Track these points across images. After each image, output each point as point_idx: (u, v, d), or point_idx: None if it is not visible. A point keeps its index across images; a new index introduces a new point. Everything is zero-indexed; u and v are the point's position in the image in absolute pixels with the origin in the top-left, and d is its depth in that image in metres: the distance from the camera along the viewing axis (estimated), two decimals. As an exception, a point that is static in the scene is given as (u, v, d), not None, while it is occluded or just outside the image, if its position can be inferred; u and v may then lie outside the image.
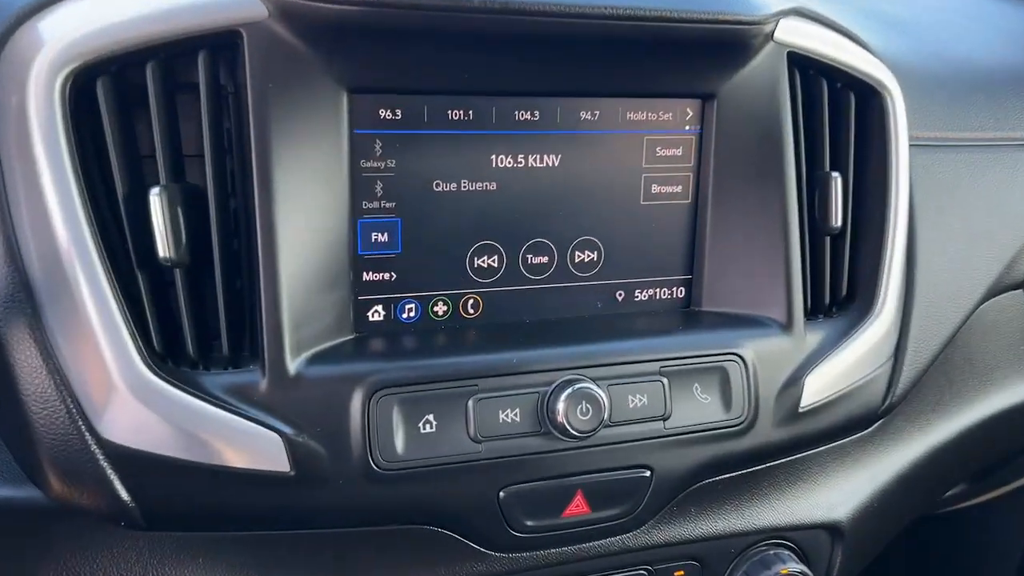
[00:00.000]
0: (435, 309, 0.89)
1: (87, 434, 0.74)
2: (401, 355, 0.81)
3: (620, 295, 0.95)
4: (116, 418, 0.73)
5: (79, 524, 0.78)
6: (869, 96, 0.99)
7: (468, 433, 0.81)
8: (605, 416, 0.82)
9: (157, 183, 0.75)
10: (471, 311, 0.90)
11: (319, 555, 0.81)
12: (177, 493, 0.75)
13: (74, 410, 0.74)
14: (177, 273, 0.76)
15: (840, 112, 0.98)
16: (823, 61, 0.95)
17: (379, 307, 0.87)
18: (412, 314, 0.88)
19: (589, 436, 0.82)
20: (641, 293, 0.96)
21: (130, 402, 0.73)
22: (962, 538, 1.86)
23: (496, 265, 0.90)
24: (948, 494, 1.60)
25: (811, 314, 0.97)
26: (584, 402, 0.82)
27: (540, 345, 0.85)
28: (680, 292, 0.98)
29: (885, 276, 0.98)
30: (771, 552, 0.96)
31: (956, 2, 1.42)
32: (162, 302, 0.77)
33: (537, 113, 0.87)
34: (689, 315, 0.96)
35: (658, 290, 0.97)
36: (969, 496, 1.67)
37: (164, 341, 0.77)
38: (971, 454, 1.14)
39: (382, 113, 0.82)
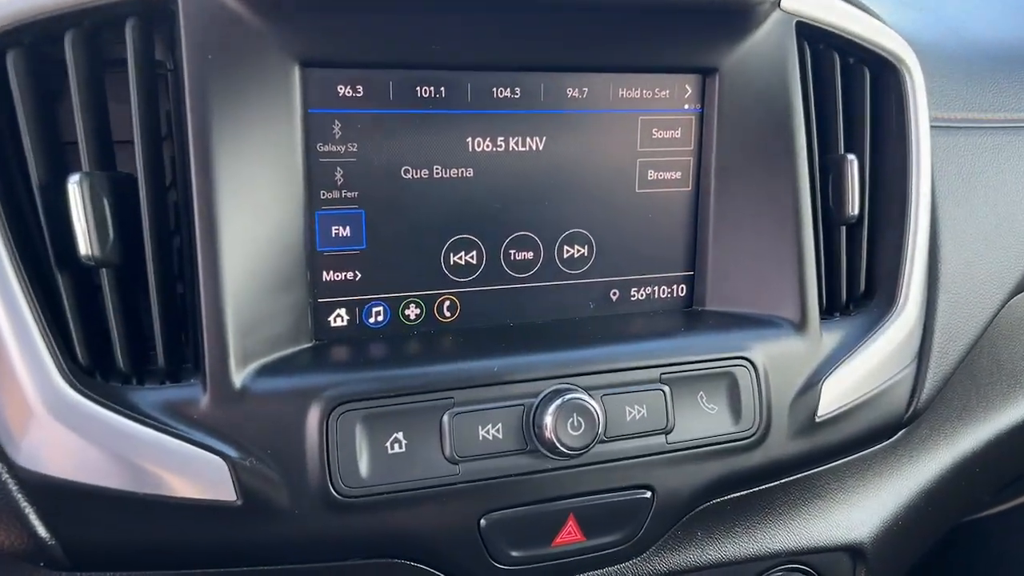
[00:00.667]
0: (406, 312, 0.79)
1: None
2: (365, 364, 0.71)
3: (614, 294, 0.86)
4: (32, 442, 0.64)
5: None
6: (885, 72, 0.90)
7: (443, 453, 0.71)
8: (599, 430, 0.73)
9: (79, 171, 0.65)
10: (447, 314, 0.80)
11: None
12: (106, 528, 0.65)
13: None
14: (104, 274, 0.66)
15: (854, 89, 0.89)
16: (835, 32, 0.86)
17: (342, 311, 0.77)
18: (380, 318, 0.78)
19: (581, 453, 0.73)
20: (638, 292, 0.87)
21: (48, 423, 0.63)
22: (982, 548, 1.77)
23: (474, 262, 0.80)
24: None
25: (827, 312, 0.88)
26: (575, 415, 0.72)
27: (525, 351, 0.75)
28: (681, 290, 0.88)
29: (907, 269, 0.88)
30: (787, 578, 0.86)
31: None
32: (89, 308, 0.68)
33: (518, 90, 0.78)
34: (691, 315, 0.86)
35: (657, 288, 0.87)
36: (990, 505, 1.58)
37: (90, 352, 0.67)
38: (1001, 463, 1.05)
39: (340, 90, 0.72)
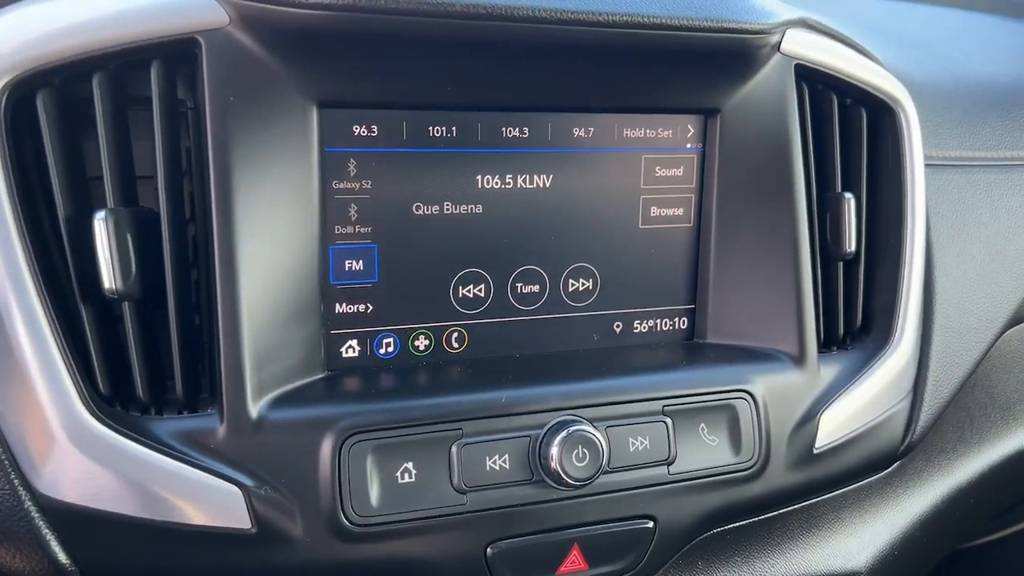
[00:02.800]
0: (415, 343, 0.81)
1: (20, 488, 0.66)
2: (376, 396, 0.73)
3: (618, 327, 0.88)
4: (54, 470, 0.65)
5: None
6: (881, 112, 0.93)
7: (452, 483, 0.73)
8: (604, 462, 0.75)
9: (104, 207, 0.67)
10: (455, 345, 0.82)
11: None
12: (123, 554, 0.67)
13: (6, 461, 0.65)
14: (126, 307, 0.68)
15: (851, 129, 0.92)
16: (833, 74, 0.89)
17: (353, 342, 0.79)
18: (390, 349, 0.80)
19: (586, 484, 0.74)
20: (640, 324, 0.89)
21: (70, 452, 0.65)
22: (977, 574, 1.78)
23: (482, 295, 0.82)
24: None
25: (824, 346, 0.90)
26: (580, 446, 0.74)
27: (531, 383, 0.77)
28: (682, 323, 0.90)
29: (903, 304, 0.91)
30: (786, 608, 0.88)
31: (963, 20, 1.37)
32: (110, 339, 0.70)
33: (526, 130, 0.80)
34: (693, 348, 0.89)
35: (659, 321, 0.89)
36: (986, 533, 1.59)
37: (111, 383, 0.69)
38: (995, 494, 1.06)
39: (356, 129, 0.75)
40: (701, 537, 0.84)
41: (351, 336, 0.79)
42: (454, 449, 0.73)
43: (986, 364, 1.02)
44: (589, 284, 0.86)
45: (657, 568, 0.81)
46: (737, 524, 0.86)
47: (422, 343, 0.81)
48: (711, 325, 0.90)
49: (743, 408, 0.82)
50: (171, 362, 0.70)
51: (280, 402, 0.70)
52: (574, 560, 0.77)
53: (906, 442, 0.92)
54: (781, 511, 0.88)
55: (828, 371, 0.87)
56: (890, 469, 0.95)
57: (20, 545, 0.66)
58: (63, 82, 0.67)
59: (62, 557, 0.66)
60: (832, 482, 0.89)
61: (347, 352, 0.79)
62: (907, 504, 0.96)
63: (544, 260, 0.84)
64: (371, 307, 0.79)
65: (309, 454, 0.69)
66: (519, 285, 0.83)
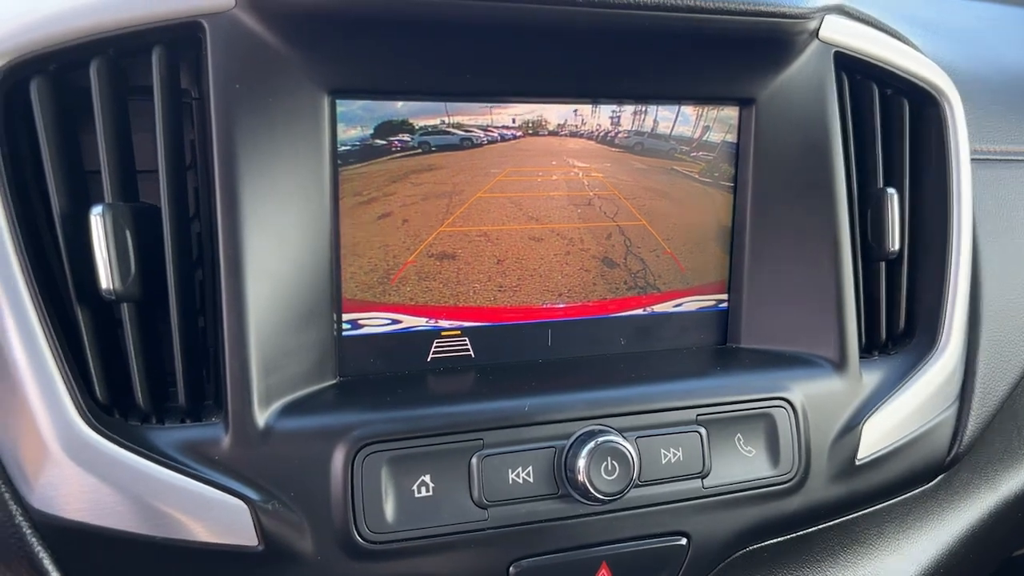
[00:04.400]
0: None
1: (12, 503, 0.62)
2: (392, 404, 0.69)
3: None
4: (48, 483, 0.61)
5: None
6: (925, 103, 0.87)
7: (472, 497, 0.68)
8: (634, 475, 0.70)
9: (102, 202, 0.63)
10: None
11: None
12: (122, 573, 0.63)
13: None
14: (125, 308, 0.64)
15: (893, 121, 0.87)
16: (874, 63, 0.84)
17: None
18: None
19: (616, 499, 0.70)
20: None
21: (64, 463, 0.61)
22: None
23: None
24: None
25: (866, 351, 0.85)
26: (609, 459, 0.69)
27: (555, 390, 0.73)
28: (716, 325, 0.85)
29: (949, 306, 0.85)
30: (826, 629, 0.83)
31: (1004, 13, 1.31)
32: (108, 344, 0.65)
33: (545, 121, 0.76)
34: (726, 353, 0.84)
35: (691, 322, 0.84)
36: None
37: (109, 390, 0.64)
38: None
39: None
40: (736, 555, 0.79)
41: (363, 340, 0.74)
42: (474, 461, 0.68)
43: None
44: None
45: (690, 587, 0.77)
46: (775, 540, 0.81)
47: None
48: (745, 329, 0.85)
49: (781, 417, 0.77)
50: (173, 368, 0.66)
51: (289, 410, 0.66)
52: (602, 579, 0.73)
53: (953, 452, 0.87)
54: (820, 527, 0.83)
55: (870, 377, 0.82)
56: (935, 482, 0.89)
57: (10, 564, 0.62)
58: (59, 69, 0.63)
59: (56, 576, 0.62)
60: (874, 495, 0.83)
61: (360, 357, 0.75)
62: (953, 519, 0.91)
63: None
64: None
65: (320, 466, 0.65)
66: None
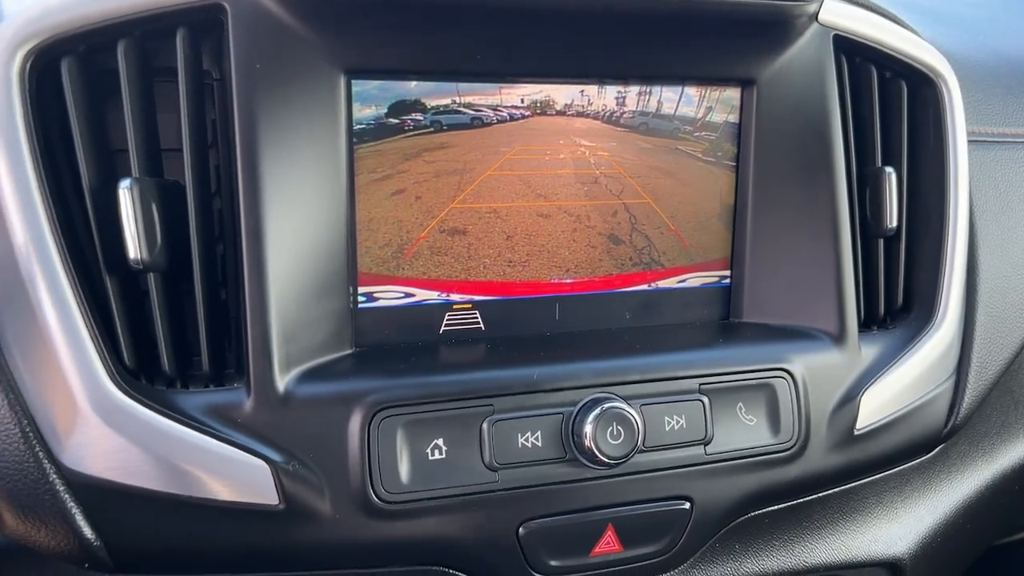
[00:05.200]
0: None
1: (46, 462, 0.64)
2: (406, 371, 0.72)
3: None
4: (80, 444, 0.64)
5: (38, 566, 0.69)
6: (922, 85, 0.90)
7: (483, 460, 0.71)
8: (639, 440, 0.72)
9: (129, 175, 0.66)
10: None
11: (310, 603, 0.71)
12: (149, 530, 0.66)
13: (31, 434, 0.64)
14: (151, 278, 0.67)
15: (891, 103, 0.89)
16: (872, 46, 0.86)
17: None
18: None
19: (621, 463, 0.72)
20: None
21: (96, 425, 0.64)
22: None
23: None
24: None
25: (865, 326, 0.87)
26: (615, 424, 0.72)
27: (563, 360, 0.75)
28: (718, 301, 0.87)
29: (946, 282, 0.88)
30: (826, 593, 0.85)
31: (1007, 1, 1.33)
32: (135, 312, 0.68)
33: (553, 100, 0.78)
34: (729, 327, 0.86)
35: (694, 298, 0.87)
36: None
37: (137, 356, 0.67)
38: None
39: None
40: (738, 520, 0.82)
41: (379, 312, 0.77)
42: (485, 426, 0.71)
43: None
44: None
45: (693, 551, 0.79)
46: (775, 507, 0.84)
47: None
48: (747, 304, 0.87)
49: (782, 387, 0.79)
50: (197, 337, 0.69)
51: (308, 376, 0.69)
52: (608, 542, 0.75)
53: (950, 424, 0.89)
54: (820, 495, 0.86)
55: (869, 351, 0.84)
56: (932, 453, 0.92)
57: (45, 519, 0.65)
58: (88, 50, 0.66)
59: (87, 532, 0.65)
60: (873, 465, 0.86)
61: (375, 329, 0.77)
62: (950, 489, 0.93)
63: None
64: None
65: (338, 429, 0.68)
66: None
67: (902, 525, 0.89)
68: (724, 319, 0.88)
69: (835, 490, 0.86)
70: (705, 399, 0.77)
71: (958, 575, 1.01)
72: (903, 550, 0.88)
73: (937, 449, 0.92)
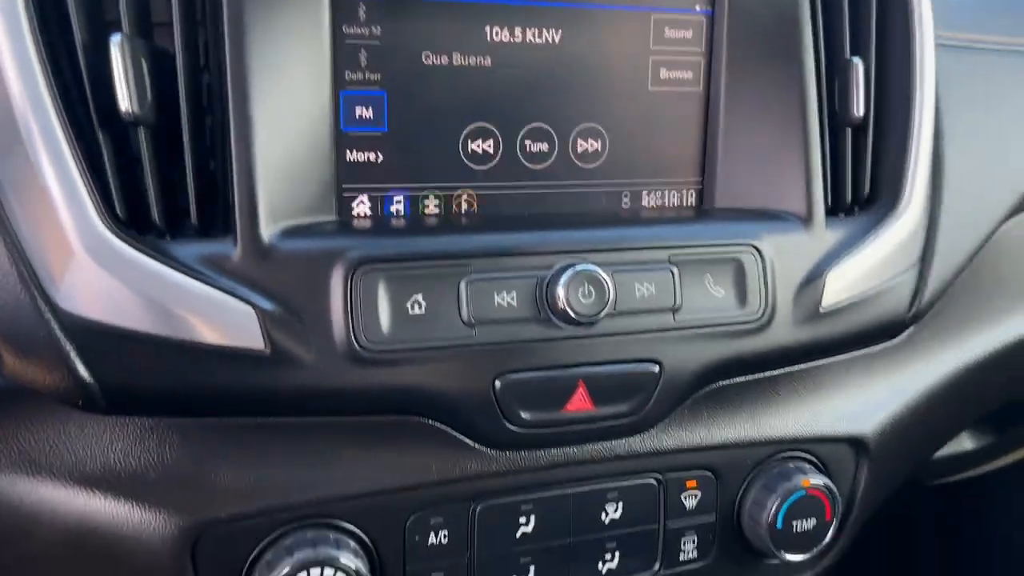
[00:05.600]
0: (425, 204, 0.82)
1: (41, 302, 0.68)
2: (388, 233, 0.75)
3: (626, 198, 0.89)
4: (73, 285, 0.67)
5: (33, 407, 0.72)
6: None
7: (461, 316, 0.74)
8: (609, 299, 0.76)
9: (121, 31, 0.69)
10: (464, 207, 0.84)
11: (297, 447, 0.74)
12: (141, 372, 0.69)
13: (27, 275, 0.67)
14: (141, 132, 0.70)
15: None
16: None
17: (364, 197, 0.81)
18: (400, 208, 0.82)
19: (592, 321, 0.76)
20: (649, 196, 0.90)
21: (89, 267, 0.67)
22: (984, 509, 1.79)
23: (491, 151, 0.84)
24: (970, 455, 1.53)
25: (832, 213, 0.91)
26: (587, 283, 0.75)
27: (540, 228, 0.79)
28: (691, 197, 0.91)
29: (911, 172, 0.91)
30: (791, 465, 0.89)
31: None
32: (127, 170, 0.71)
33: None
34: (701, 211, 0.90)
35: (667, 193, 0.90)
36: (993, 456, 1.60)
37: (128, 209, 0.70)
38: (1001, 378, 1.07)
39: (365, -27, 0.76)
40: (707, 389, 0.85)
41: (362, 191, 0.80)
42: (463, 284, 0.74)
43: (995, 251, 1.03)
44: (598, 145, 0.87)
45: (663, 415, 0.82)
46: (743, 379, 0.87)
47: (432, 205, 0.83)
48: (719, 193, 0.90)
49: (749, 262, 0.83)
50: (186, 192, 0.71)
51: (293, 232, 0.72)
52: (581, 398, 0.78)
53: (913, 309, 0.93)
54: (788, 370, 0.89)
55: (835, 234, 0.88)
56: (897, 340, 0.95)
57: (42, 358, 0.68)
58: None
59: (82, 370, 0.68)
60: (838, 344, 0.89)
61: (358, 208, 0.81)
62: (915, 377, 0.97)
63: (553, 118, 0.85)
64: (381, 156, 0.80)
65: (321, 281, 0.71)
66: (528, 143, 0.84)
67: (866, 404, 0.93)
68: (697, 207, 0.91)
69: (802, 367, 0.90)
70: (675, 269, 0.80)
71: (919, 463, 1.05)
72: (867, 429, 0.92)
73: (903, 336, 0.95)
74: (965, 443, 1.51)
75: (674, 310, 0.80)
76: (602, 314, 0.75)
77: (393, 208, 0.82)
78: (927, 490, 1.79)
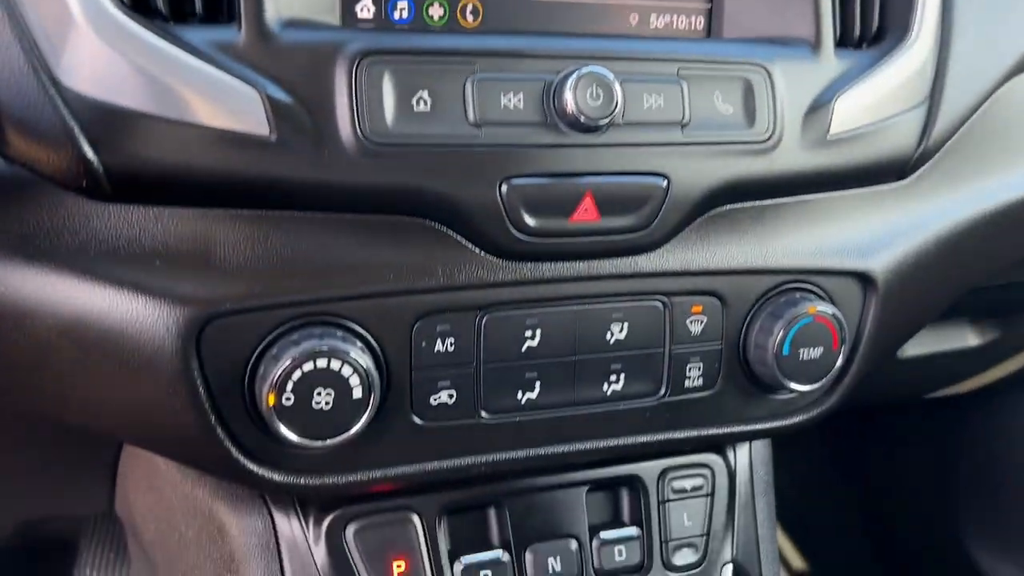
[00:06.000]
0: (430, 11, 0.82)
1: (46, 80, 0.67)
2: (391, 31, 0.75)
3: (634, 18, 0.88)
4: (78, 62, 0.67)
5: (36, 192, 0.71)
6: None
7: (466, 116, 0.73)
8: (617, 107, 0.75)
9: None
10: (469, 18, 0.83)
11: (304, 243, 0.74)
12: (144, 153, 0.68)
13: (31, 50, 0.67)
14: None
15: None
16: None
17: (368, 2, 0.80)
18: (404, 15, 0.81)
19: (599, 128, 0.75)
20: (657, 19, 0.89)
21: (92, 42, 0.66)
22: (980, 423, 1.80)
23: None
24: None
25: (841, 46, 0.90)
26: (595, 85, 0.74)
27: (549, 34, 0.78)
28: (699, 22, 0.90)
29: (920, 6, 0.90)
30: (798, 295, 0.88)
31: None
32: None
33: None
34: (710, 36, 0.89)
35: (675, 17, 0.89)
36: (994, 359, 1.60)
37: None
38: (1013, 235, 1.06)
39: None
40: (714, 212, 0.85)
41: None
42: (468, 83, 0.73)
43: (1006, 101, 1.02)
44: None
45: (670, 233, 0.82)
46: (751, 205, 0.87)
47: (436, 12, 0.82)
48: (727, 24, 0.90)
49: (758, 82, 0.82)
50: None
51: (299, 24, 0.72)
52: (587, 208, 0.78)
53: (921, 148, 0.92)
54: (796, 200, 0.88)
55: (843, 63, 0.87)
56: (907, 181, 0.95)
57: (48, 136, 0.67)
58: None
59: (87, 149, 0.67)
60: (847, 176, 0.89)
61: (361, 12, 0.80)
62: (922, 217, 0.95)
63: None
64: None
65: (326, 70, 0.70)
66: None
67: (875, 243, 0.92)
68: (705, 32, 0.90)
69: (811, 197, 0.89)
70: (684, 83, 0.79)
71: (928, 311, 1.04)
72: (876, 265, 0.91)
73: (912, 177, 0.95)
74: (970, 339, 1.51)
75: (682, 124, 0.79)
76: (609, 119, 0.75)
77: (396, 15, 0.81)
78: (925, 403, 1.79)
